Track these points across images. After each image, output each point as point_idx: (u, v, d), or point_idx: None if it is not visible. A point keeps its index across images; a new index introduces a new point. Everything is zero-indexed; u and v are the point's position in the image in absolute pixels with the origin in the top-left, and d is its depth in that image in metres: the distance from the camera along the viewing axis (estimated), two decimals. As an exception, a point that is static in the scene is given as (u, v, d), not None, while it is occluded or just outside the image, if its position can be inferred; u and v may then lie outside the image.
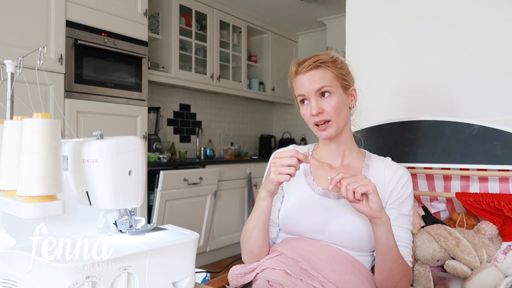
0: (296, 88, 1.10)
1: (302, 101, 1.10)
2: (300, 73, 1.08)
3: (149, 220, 2.91)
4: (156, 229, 0.87)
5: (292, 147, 1.25)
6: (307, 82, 1.06)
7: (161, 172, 2.90)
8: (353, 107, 1.14)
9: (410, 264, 1.07)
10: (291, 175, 0.94)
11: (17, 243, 0.78)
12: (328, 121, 1.07)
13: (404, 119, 1.44)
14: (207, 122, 4.23)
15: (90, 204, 0.80)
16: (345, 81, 1.10)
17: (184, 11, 3.60)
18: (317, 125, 1.08)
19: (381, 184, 1.10)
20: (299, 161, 0.94)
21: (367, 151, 1.21)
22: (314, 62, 1.06)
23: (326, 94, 1.06)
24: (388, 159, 1.16)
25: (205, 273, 1.40)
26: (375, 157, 1.18)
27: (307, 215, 1.09)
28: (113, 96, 2.71)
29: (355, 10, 1.78)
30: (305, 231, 1.09)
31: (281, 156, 0.95)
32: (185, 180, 3.09)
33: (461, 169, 1.32)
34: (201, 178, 3.21)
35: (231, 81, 4.09)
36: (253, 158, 4.16)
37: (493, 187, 1.29)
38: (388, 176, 1.11)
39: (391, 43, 1.67)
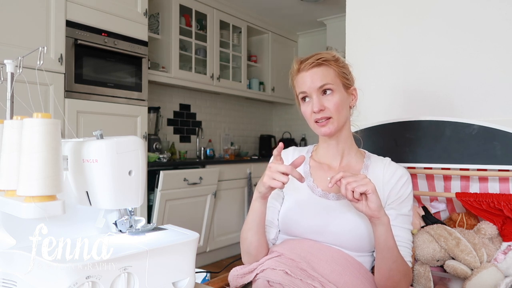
0: (297, 85, 1.10)
1: (303, 98, 1.10)
2: (302, 71, 1.08)
3: (149, 220, 2.91)
4: (156, 229, 0.88)
5: (291, 149, 1.25)
6: (309, 79, 1.06)
7: (161, 172, 2.90)
8: (353, 106, 1.14)
9: (410, 264, 1.07)
10: (284, 183, 0.94)
11: (17, 243, 0.78)
12: (329, 118, 1.07)
13: (404, 119, 1.44)
14: (207, 122, 4.22)
15: (90, 204, 0.80)
16: (346, 80, 1.10)
17: (184, 11, 3.59)
18: (317, 122, 1.08)
19: (380, 184, 1.10)
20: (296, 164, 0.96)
21: (366, 151, 1.21)
22: (316, 60, 1.06)
23: (328, 92, 1.06)
24: (388, 159, 1.16)
25: (205, 273, 1.40)
26: (374, 157, 1.18)
27: (306, 216, 1.09)
28: (113, 96, 2.71)
29: (355, 10, 1.78)
30: (304, 232, 1.09)
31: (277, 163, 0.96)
32: (185, 180, 3.09)
33: (461, 169, 1.32)
34: (201, 178, 3.21)
35: (231, 81, 4.09)
36: (253, 158, 4.16)
37: (493, 187, 1.29)
38: (387, 176, 1.11)
39: (391, 43, 1.67)
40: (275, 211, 1.16)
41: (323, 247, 1.06)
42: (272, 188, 0.98)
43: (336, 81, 1.07)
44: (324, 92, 1.07)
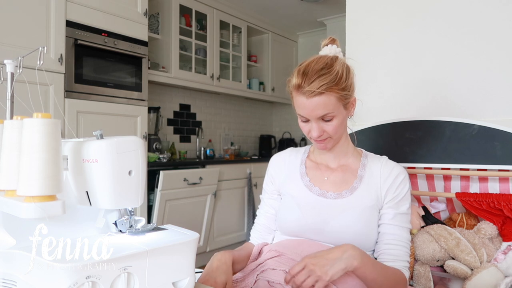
0: (296, 105, 1.05)
1: (302, 117, 1.07)
2: (303, 94, 1.01)
3: (149, 220, 2.91)
4: (156, 229, 0.87)
5: (289, 150, 1.25)
6: (310, 108, 1.01)
7: (161, 172, 2.90)
8: (351, 115, 1.12)
9: (407, 264, 1.06)
10: None
11: (17, 243, 0.78)
12: (327, 138, 1.07)
13: (404, 119, 1.44)
14: (207, 122, 4.22)
15: (90, 204, 0.80)
16: (346, 100, 1.05)
17: (184, 11, 3.59)
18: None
19: (377, 183, 1.10)
20: None
21: (363, 150, 1.21)
22: (318, 89, 0.99)
23: (328, 118, 1.03)
24: (385, 157, 1.17)
25: (205, 273, 1.40)
26: (371, 156, 1.18)
27: (305, 216, 1.09)
28: (113, 96, 2.71)
29: (355, 10, 1.78)
30: (303, 232, 1.10)
31: None
32: (185, 180, 3.09)
33: (461, 169, 1.32)
34: (201, 178, 3.21)
35: (231, 81, 4.09)
36: (253, 158, 4.16)
37: (493, 187, 1.29)
38: (384, 175, 1.11)
39: (391, 43, 1.67)
40: (271, 217, 1.19)
41: (322, 247, 1.06)
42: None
43: (337, 106, 1.02)
44: (324, 118, 1.03)
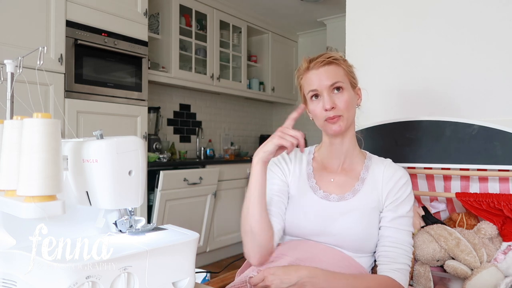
0: (307, 83, 1.10)
1: (313, 97, 1.10)
2: (312, 69, 1.09)
3: (149, 220, 2.91)
4: (156, 229, 0.88)
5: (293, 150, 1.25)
6: (321, 77, 1.07)
7: (161, 172, 2.90)
8: (358, 106, 1.15)
9: (405, 267, 1.05)
10: (293, 144, 1.00)
11: (17, 243, 0.78)
12: (340, 116, 1.07)
13: (404, 119, 1.44)
14: (207, 122, 4.22)
15: (90, 204, 0.80)
16: (353, 79, 1.12)
17: (184, 11, 3.59)
18: (326, 120, 1.08)
19: (379, 185, 1.10)
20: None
21: (368, 152, 1.21)
22: (327, 58, 1.08)
23: (339, 90, 1.07)
24: (388, 160, 1.17)
25: (205, 273, 1.41)
26: (375, 158, 1.18)
27: (308, 217, 1.10)
28: (113, 96, 2.71)
29: (355, 11, 1.78)
30: (306, 233, 1.10)
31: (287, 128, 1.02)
32: (185, 180, 3.09)
33: (461, 169, 1.32)
34: (201, 178, 3.21)
35: (231, 81, 4.09)
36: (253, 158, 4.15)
37: (493, 187, 1.29)
38: (386, 177, 1.11)
39: (391, 43, 1.67)
40: (282, 205, 1.13)
41: (325, 249, 1.06)
42: (281, 148, 1.02)
43: (345, 80, 1.09)
44: (335, 90, 1.07)
